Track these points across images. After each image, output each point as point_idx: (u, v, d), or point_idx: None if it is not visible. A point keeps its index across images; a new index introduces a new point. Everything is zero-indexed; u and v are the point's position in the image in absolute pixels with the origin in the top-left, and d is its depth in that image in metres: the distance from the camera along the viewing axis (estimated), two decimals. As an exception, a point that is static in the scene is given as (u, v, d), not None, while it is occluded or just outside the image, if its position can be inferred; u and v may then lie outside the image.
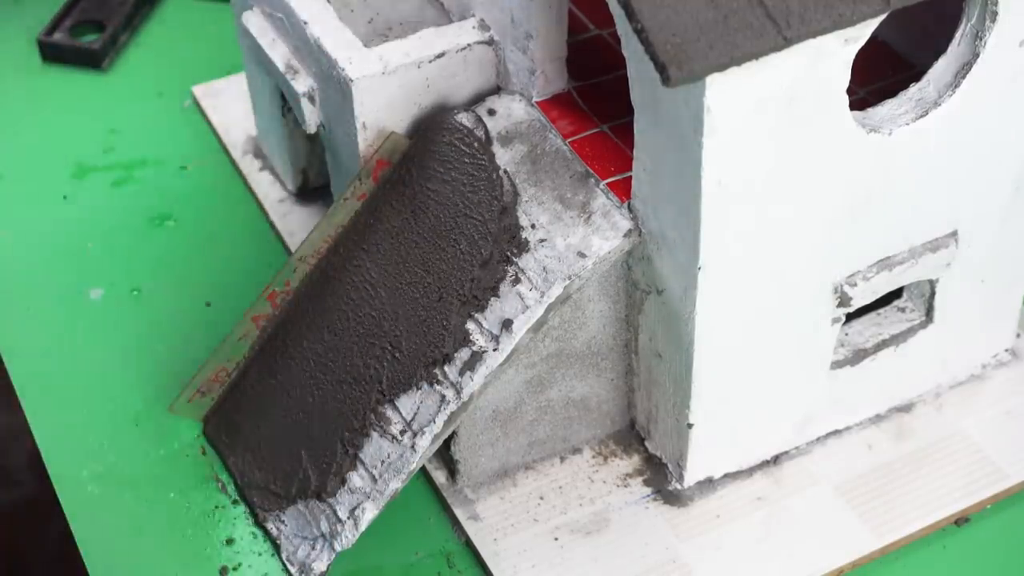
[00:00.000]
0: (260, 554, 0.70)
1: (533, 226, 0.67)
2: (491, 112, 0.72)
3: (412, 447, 0.66)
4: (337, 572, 0.69)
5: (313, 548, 0.68)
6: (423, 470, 0.74)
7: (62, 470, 0.75)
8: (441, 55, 0.72)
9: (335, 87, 0.72)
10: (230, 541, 0.71)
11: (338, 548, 0.67)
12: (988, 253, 0.72)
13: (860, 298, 0.68)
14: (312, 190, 0.90)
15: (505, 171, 0.70)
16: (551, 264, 0.66)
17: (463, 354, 0.66)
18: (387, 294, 0.70)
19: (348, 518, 0.67)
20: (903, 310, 0.74)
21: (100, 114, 0.99)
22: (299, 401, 0.71)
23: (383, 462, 0.67)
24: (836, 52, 0.58)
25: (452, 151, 0.70)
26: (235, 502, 0.73)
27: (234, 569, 0.70)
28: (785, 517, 0.71)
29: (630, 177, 0.66)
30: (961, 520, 0.71)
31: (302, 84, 0.76)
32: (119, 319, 0.83)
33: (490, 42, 0.73)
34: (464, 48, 0.72)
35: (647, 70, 0.59)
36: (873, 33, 0.58)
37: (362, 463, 0.67)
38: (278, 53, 0.77)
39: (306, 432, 0.70)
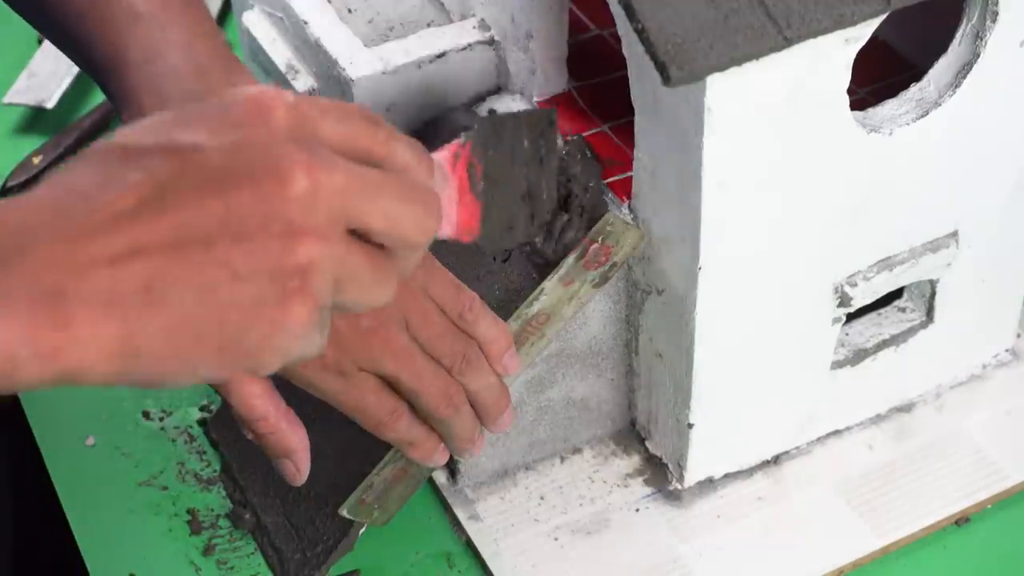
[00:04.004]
0: (257, 554, 0.70)
1: (533, 226, 0.68)
2: (491, 112, 0.72)
3: (412, 447, 0.66)
4: (337, 572, 0.69)
5: (313, 548, 0.68)
6: (423, 470, 0.74)
7: (62, 471, 0.75)
8: (441, 55, 0.72)
9: (335, 87, 0.72)
10: (230, 541, 0.71)
11: (338, 548, 0.67)
12: (988, 253, 0.72)
13: (860, 298, 0.68)
14: (312, 190, 0.90)
15: (505, 171, 0.70)
16: (551, 264, 0.66)
17: (463, 354, 0.66)
18: (387, 294, 0.70)
19: (348, 518, 0.67)
20: (903, 310, 0.74)
21: (100, 114, 0.99)
22: (300, 403, 0.71)
23: (383, 462, 0.67)
24: (836, 52, 0.58)
25: (452, 151, 0.70)
26: (236, 502, 0.72)
27: (231, 568, 0.70)
28: (785, 517, 0.71)
29: (630, 177, 0.66)
30: (961, 520, 0.71)
31: (302, 84, 0.76)
32: (119, 319, 0.83)
33: (491, 42, 0.73)
34: (464, 48, 0.72)
35: (647, 70, 0.59)
36: (873, 33, 0.58)
37: (362, 463, 0.67)
38: (278, 53, 0.77)
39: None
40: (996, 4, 0.61)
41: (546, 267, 0.66)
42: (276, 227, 0.42)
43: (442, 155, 0.53)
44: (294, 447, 0.57)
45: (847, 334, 0.73)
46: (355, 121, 0.46)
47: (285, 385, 0.57)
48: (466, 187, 0.53)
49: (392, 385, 0.57)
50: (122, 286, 0.41)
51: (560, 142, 0.58)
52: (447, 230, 0.53)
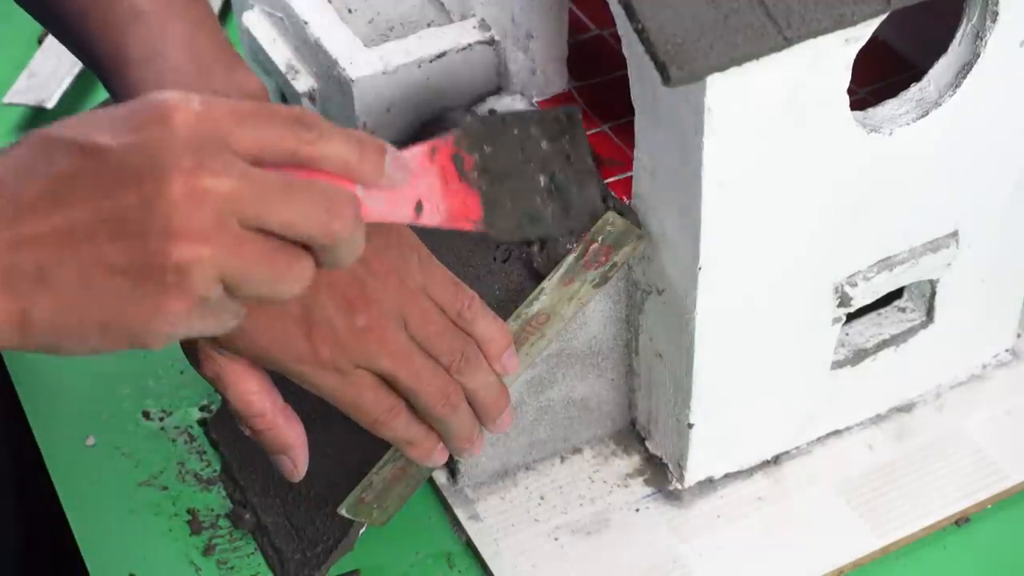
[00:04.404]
0: (257, 554, 0.70)
1: (533, 226, 0.67)
2: (491, 112, 0.72)
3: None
4: (337, 572, 0.69)
5: (313, 548, 0.68)
6: (423, 470, 0.74)
7: (62, 471, 0.75)
8: (442, 55, 0.72)
9: (335, 87, 0.72)
10: (230, 541, 0.71)
11: (338, 548, 0.67)
12: (988, 253, 0.72)
13: (860, 298, 0.68)
14: (312, 190, 0.90)
15: (505, 171, 0.70)
16: (551, 264, 0.66)
17: (463, 354, 0.66)
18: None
19: (348, 518, 0.67)
20: (903, 310, 0.74)
21: (100, 114, 0.99)
22: (299, 401, 0.71)
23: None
24: (836, 52, 0.58)
25: (452, 151, 0.70)
26: (236, 502, 0.73)
27: (231, 568, 0.70)
28: (785, 517, 0.71)
29: (630, 177, 0.66)
30: (961, 520, 0.71)
31: (303, 84, 0.76)
32: (119, 319, 0.83)
33: (491, 42, 0.73)
34: (465, 48, 0.72)
35: (647, 70, 0.59)
36: (873, 33, 0.58)
37: (362, 463, 0.67)
38: (279, 53, 0.77)
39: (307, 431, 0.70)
40: (996, 4, 0.61)
41: (539, 278, 0.66)
42: (155, 228, 0.46)
43: (418, 148, 0.53)
44: (291, 443, 0.58)
45: (847, 334, 0.73)
46: (276, 125, 0.48)
47: (284, 382, 0.57)
48: (452, 176, 0.54)
49: (390, 383, 0.57)
50: (17, 269, 0.46)
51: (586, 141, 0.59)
52: (435, 218, 0.54)
